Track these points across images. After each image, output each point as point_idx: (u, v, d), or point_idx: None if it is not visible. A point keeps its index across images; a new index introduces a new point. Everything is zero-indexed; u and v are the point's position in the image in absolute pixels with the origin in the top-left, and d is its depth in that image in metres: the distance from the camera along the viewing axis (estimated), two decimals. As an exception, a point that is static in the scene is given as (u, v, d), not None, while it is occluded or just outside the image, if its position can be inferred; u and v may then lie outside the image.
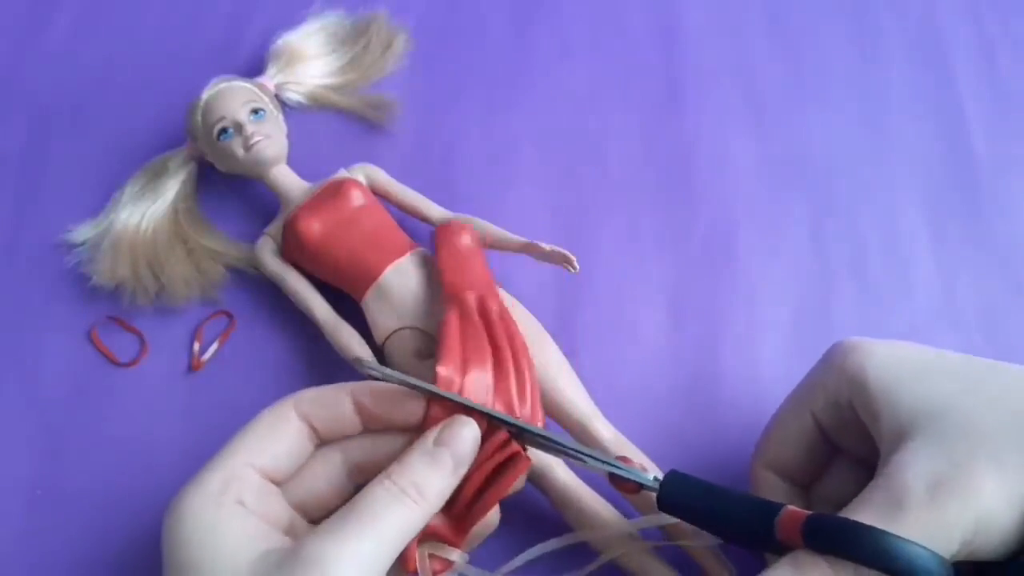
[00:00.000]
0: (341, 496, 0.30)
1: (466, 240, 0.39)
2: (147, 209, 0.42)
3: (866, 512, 0.26)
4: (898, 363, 0.30)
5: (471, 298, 0.36)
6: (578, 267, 0.38)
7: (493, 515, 0.32)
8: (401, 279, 0.38)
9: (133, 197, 0.43)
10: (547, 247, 0.39)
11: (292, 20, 0.48)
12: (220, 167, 0.43)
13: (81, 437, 0.39)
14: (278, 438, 0.30)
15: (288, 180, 0.41)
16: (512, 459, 0.30)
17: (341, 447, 0.31)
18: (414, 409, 0.30)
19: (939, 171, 0.46)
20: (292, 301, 0.40)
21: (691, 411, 0.40)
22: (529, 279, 0.41)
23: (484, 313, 0.36)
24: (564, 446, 0.31)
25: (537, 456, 0.35)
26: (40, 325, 0.42)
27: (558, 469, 0.36)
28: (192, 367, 0.41)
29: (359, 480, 0.30)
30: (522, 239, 0.40)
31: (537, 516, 0.37)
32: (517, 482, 0.32)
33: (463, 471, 0.29)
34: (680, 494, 0.30)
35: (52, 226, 0.44)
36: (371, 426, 0.31)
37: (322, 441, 0.31)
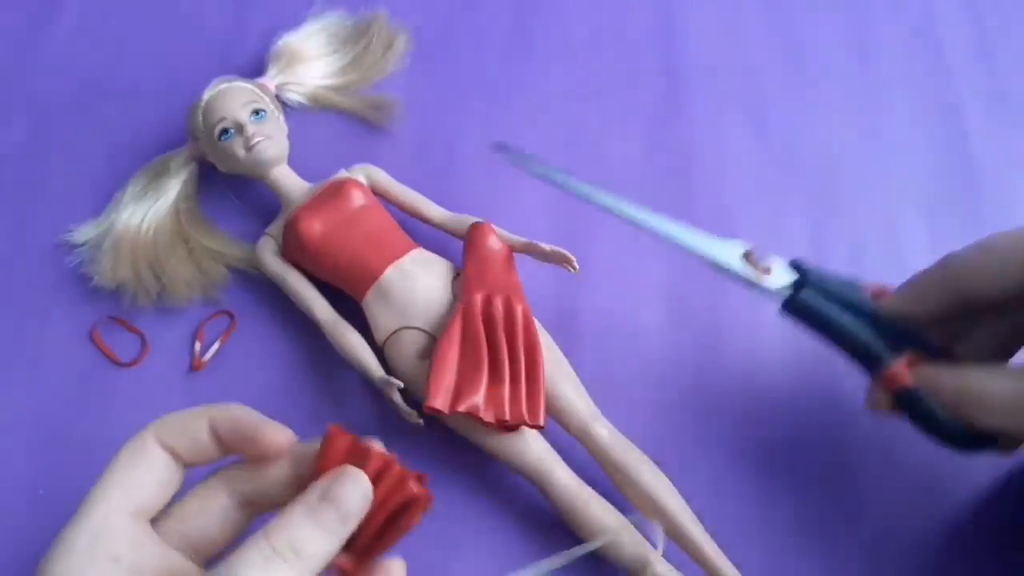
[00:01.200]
0: (234, 530, 0.28)
1: (493, 242, 0.39)
2: (148, 209, 0.42)
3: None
4: None
5: (478, 299, 0.37)
6: (578, 267, 0.38)
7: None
8: (402, 279, 0.38)
9: (134, 197, 0.43)
10: (547, 247, 0.39)
11: (293, 21, 0.48)
12: (221, 167, 0.43)
13: (82, 437, 0.39)
14: (143, 471, 0.27)
15: (289, 180, 0.42)
16: (412, 501, 0.27)
17: (225, 480, 0.29)
18: (272, 443, 0.27)
19: (938, 171, 0.46)
20: (293, 301, 0.40)
21: (691, 411, 0.40)
22: (529, 279, 0.41)
23: (488, 315, 0.36)
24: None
25: (538, 455, 0.36)
26: (41, 325, 0.42)
27: (559, 471, 0.36)
28: (193, 367, 0.41)
29: (251, 511, 0.28)
30: (522, 239, 0.40)
31: (537, 510, 0.37)
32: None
33: (349, 530, 0.26)
34: (812, 300, 0.34)
35: (53, 226, 0.44)
36: (229, 454, 0.28)
37: (187, 466, 0.28)
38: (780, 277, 0.35)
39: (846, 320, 0.33)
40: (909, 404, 0.33)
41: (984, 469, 0.38)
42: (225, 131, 0.41)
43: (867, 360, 0.33)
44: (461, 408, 0.35)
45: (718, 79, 0.48)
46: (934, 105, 0.48)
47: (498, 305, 0.37)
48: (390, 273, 0.38)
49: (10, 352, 0.41)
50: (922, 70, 0.49)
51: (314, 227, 0.39)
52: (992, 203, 0.45)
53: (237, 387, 0.40)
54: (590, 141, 0.46)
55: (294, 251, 0.40)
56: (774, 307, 0.42)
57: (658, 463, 0.36)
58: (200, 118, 0.41)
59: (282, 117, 0.43)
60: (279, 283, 0.41)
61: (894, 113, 0.48)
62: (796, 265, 0.35)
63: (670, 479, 0.36)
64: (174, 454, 0.28)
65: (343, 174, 0.42)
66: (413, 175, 0.43)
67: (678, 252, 0.38)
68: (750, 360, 0.41)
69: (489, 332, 0.36)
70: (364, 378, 0.39)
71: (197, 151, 0.43)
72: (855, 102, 0.48)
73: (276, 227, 0.41)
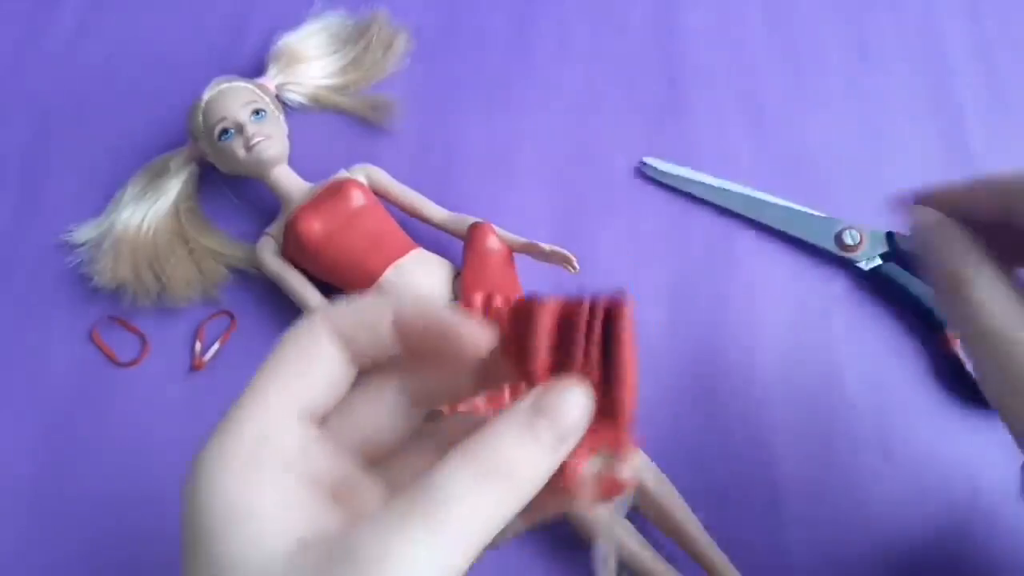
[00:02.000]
0: (407, 429, 0.24)
1: (492, 242, 0.39)
2: (148, 209, 0.42)
3: None
4: None
5: (478, 299, 0.37)
6: (578, 267, 0.38)
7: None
8: (402, 279, 0.38)
9: (134, 197, 0.43)
10: (547, 247, 0.39)
11: (293, 21, 0.48)
12: (221, 167, 0.43)
13: (83, 437, 0.39)
14: (313, 368, 0.23)
15: (289, 180, 0.42)
16: (612, 308, 0.24)
17: (395, 374, 0.25)
18: (474, 344, 0.23)
19: (938, 171, 0.45)
20: (292, 301, 0.40)
21: (690, 410, 0.40)
22: (529, 279, 0.41)
23: (488, 314, 0.36)
24: None
25: None
26: (41, 325, 0.42)
27: None
28: (193, 367, 0.41)
29: (427, 405, 0.25)
30: (522, 239, 0.40)
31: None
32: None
33: (565, 451, 0.22)
34: (891, 271, 0.41)
35: (53, 226, 0.44)
36: (416, 355, 0.24)
37: (361, 365, 0.24)
38: (872, 248, 0.42)
39: (918, 291, 0.41)
40: (953, 368, 0.40)
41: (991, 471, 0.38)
42: (225, 131, 0.41)
43: (933, 325, 0.40)
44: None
45: (718, 79, 0.48)
46: (934, 105, 0.47)
47: (498, 304, 0.37)
48: (390, 273, 0.38)
49: (11, 352, 0.41)
50: (922, 70, 0.48)
51: (314, 227, 0.39)
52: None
53: (237, 387, 0.40)
54: (590, 141, 0.46)
55: (294, 251, 0.40)
56: (776, 304, 0.42)
57: (657, 463, 0.36)
58: (200, 118, 0.41)
59: (282, 117, 0.43)
60: (279, 283, 0.41)
61: (894, 113, 0.47)
62: (889, 236, 0.42)
63: (669, 478, 0.36)
64: (350, 348, 0.23)
65: (343, 174, 0.42)
66: (413, 175, 0.43)
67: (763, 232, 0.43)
68: (751, 360, 0.41)
69: None
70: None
71: (197, 151, 0.43)
72: (855, 102, 0.48)
73: (276, 227, 0.41)
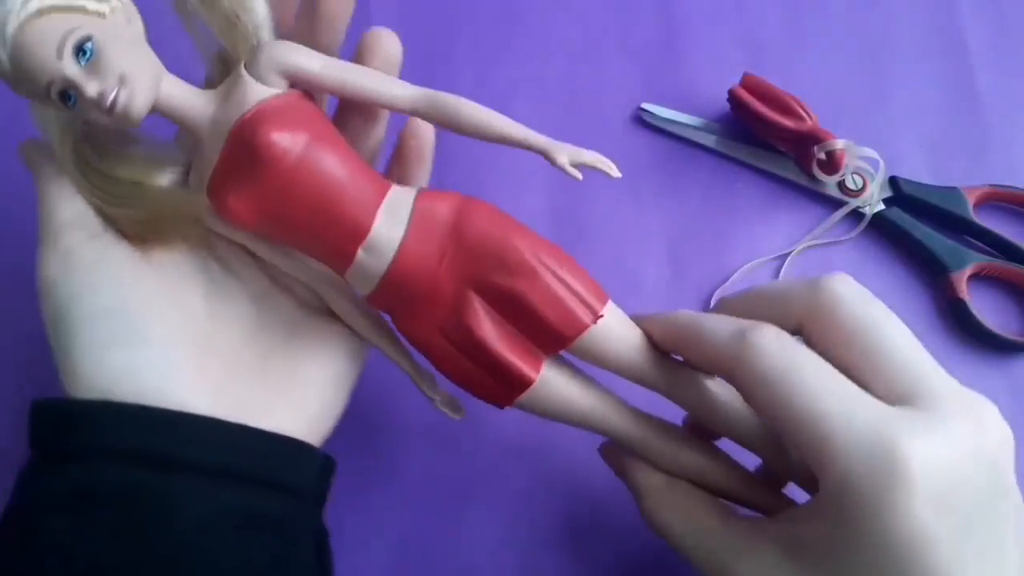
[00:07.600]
0: None
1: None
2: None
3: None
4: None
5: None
6: (619, 172, 0.29)
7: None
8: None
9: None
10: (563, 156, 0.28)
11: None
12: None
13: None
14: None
15: (183, 102, 0.28)
16: None
17: None
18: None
19: (943, 112, 0.45)
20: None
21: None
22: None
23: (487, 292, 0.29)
24: None
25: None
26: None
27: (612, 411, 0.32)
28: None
29: None
30: (534, 138, 0.29)
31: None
32: None
33: None
34: (895, 216, 0.42)
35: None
36: None
37: None
38: (875, 193, 0.41)
39: (921, 236, 0.41)
40: (960, 312, 0.40)
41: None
42: (65, 94, 0.27)
43: (937, 269, 0.41)
44: (575, 333, 0.29)
45: (715, 21, 0.46)
46: (939, 44, 0.46)
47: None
48: (380, 225, 0.29)
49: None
50: (926, 7, 0.47)
51: (241, 212, 0.28)
52: (997, 143, 0.44)
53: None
54: (587, 89, 0.45)
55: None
56: (778, 249, 0.42)
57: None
58: (24, 88, 0.27)
59: (130, 13, 0.28)
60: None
61: (897, 53, 0.46)
62: (893, 181, 0.42)
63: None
64: None
65: (247, 85, 0.28)
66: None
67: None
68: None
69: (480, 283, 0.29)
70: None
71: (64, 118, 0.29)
72: (857, 42, 0.46)
73: (195, 178, 0.30)
